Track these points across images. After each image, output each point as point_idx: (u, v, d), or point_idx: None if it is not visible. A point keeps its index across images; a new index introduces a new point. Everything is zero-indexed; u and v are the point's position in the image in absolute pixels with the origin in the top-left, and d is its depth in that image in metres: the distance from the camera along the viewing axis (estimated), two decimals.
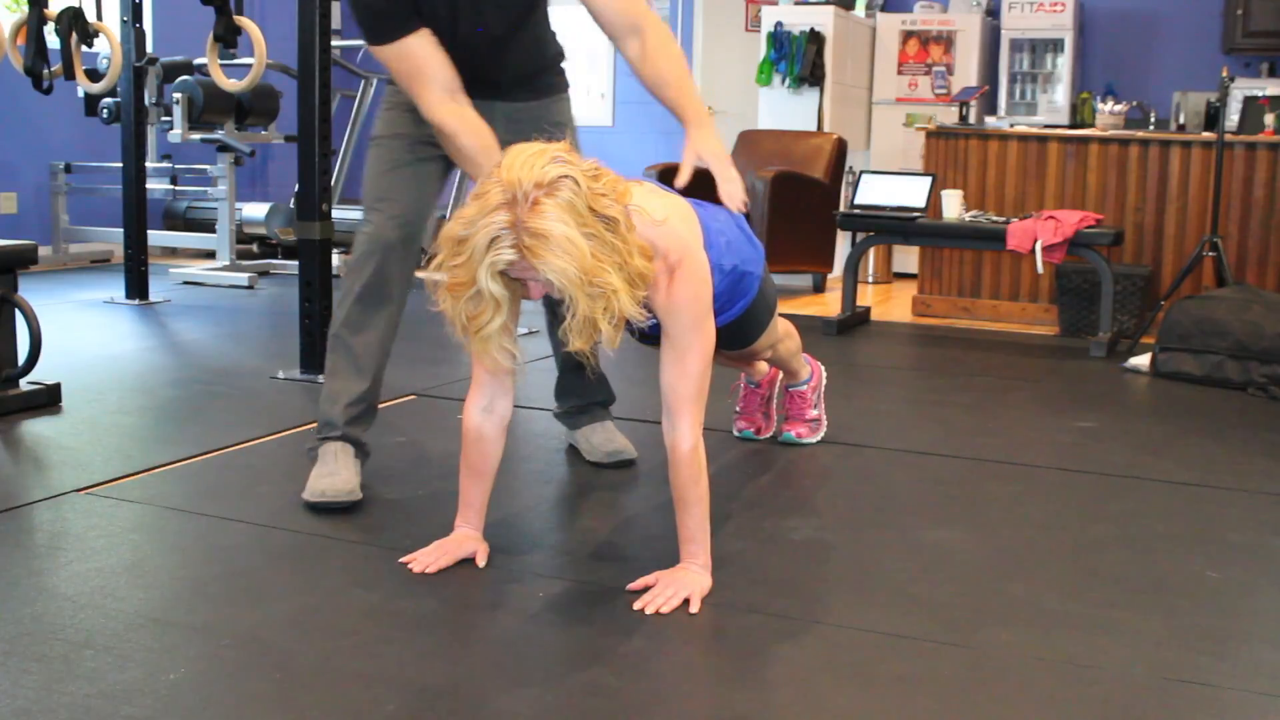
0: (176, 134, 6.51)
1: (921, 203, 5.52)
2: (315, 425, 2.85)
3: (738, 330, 2.71)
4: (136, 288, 5.70)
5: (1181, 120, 7.35)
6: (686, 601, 2.17)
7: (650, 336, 2.38)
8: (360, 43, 4.65)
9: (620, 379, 3.98)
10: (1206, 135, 5.78)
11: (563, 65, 2.89)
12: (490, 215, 1.95)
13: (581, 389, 3.11)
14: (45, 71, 5.64)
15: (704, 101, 2.73)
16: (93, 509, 2.66)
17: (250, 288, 6.30)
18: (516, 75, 2.76)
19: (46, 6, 5.59)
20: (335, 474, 2.68)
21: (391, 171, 2.74)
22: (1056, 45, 7.70)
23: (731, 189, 2.55)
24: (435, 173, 2.78)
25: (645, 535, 2.58)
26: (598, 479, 3.02)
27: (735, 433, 3.38)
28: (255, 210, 7.34)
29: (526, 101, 2.79)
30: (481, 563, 2.35)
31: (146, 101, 6.16)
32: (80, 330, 4.93)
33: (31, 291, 3.99)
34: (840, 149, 7.03)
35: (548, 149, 2.01)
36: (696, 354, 2.21)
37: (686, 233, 2.26)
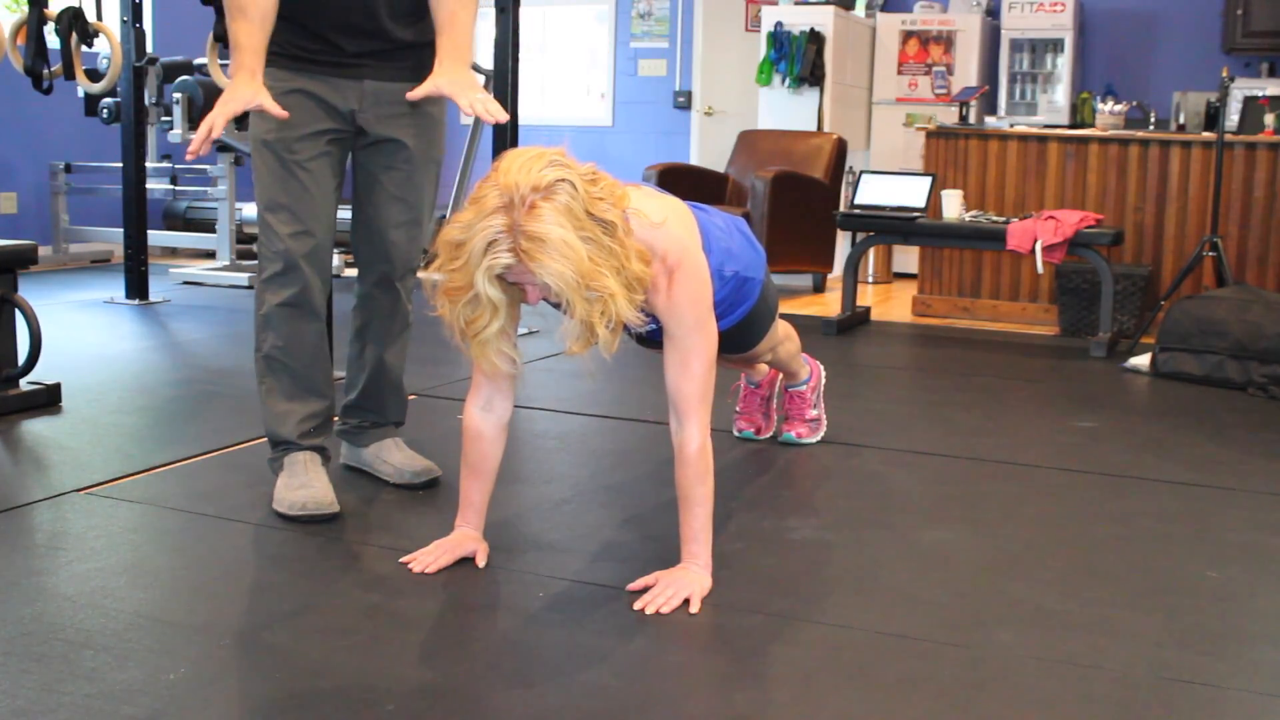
0: (176, 134, 6.51)
1: (921, 203, 5.52)
2: (267, 440, 2.78)
3: (739, 334, 2.71)
4: (136, 288, 5.70)
5: (1181, 120, 7.35)
6: (686, 601, 2.17)
7: (649, 340, 2.39)
8: None
9: (620, 379, 3.98)
10: (1206, 135, 5.78)
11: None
12: (487, 219, 1.95)
13: (380, 403, 2.90)
14: (45, 71, 5.65)
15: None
16: (93, 509, 2.66)
17: (250, 288, 6.30)
18: (388, 43, 2.64)
19: (46, 6, 5.60)
20: (309, 485, 2.63)
21: (282, 181, 2.63)
22: (1056, 45, 7.69)
23: (481, 106, 2.40)
24: (327, 169, 2.67)
25: (645, 535, 2.58)
26: (598, 479, 3.02)
27: (735, 433, 3.38)
28: (255, 210, 7.34)
29: (396, 82, 2.65)
30: (481, 563, 2.35)
31: (146, 101, 6.16)
32: (80, 330, 4.93)
33: (31, 291, 3.99)
34: (840, 149, 7.03)
35: (545, 153, 2.00)
36: (700, 355, 2.21)
37: (685, 235, 2.26)
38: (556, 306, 2.06)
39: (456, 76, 2.49)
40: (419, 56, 2.65)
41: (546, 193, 1.94)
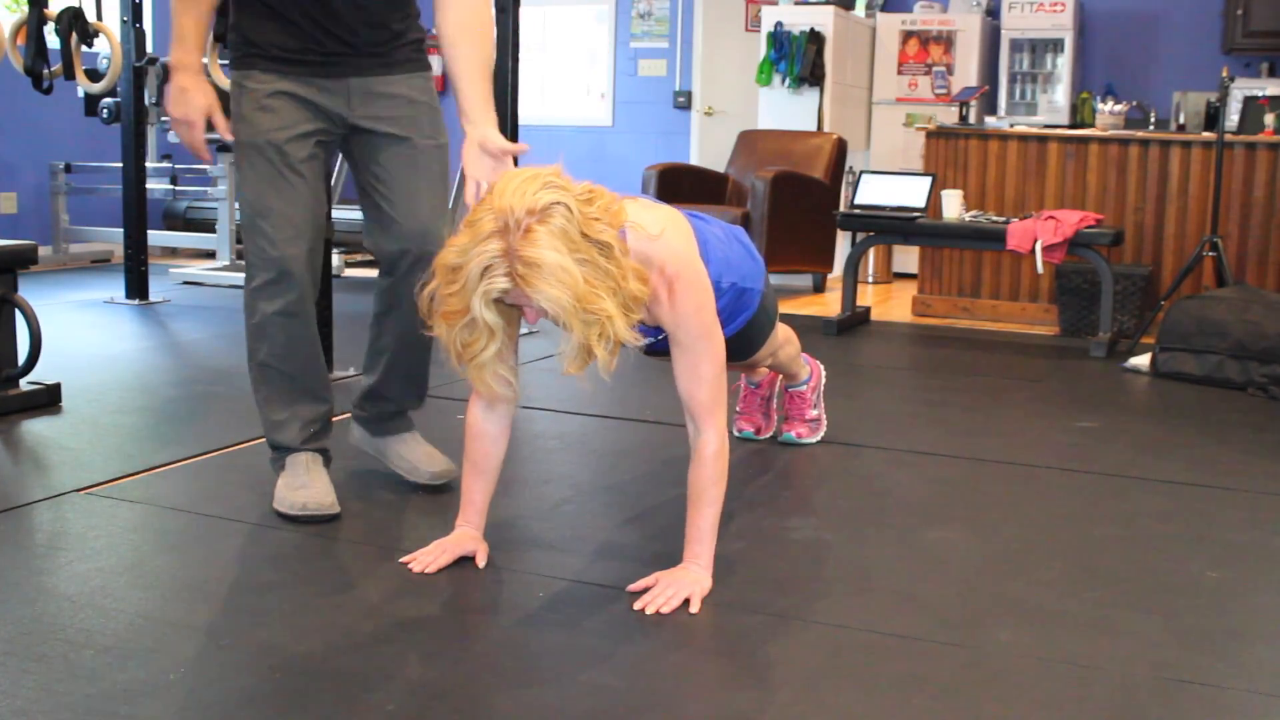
0: (176, 134, 6.51)
1: (921, 203, 5.52)
2: (265, 442, 2.76)
3: (739, 343, 2.72)
4: (136, 288, 5.70)
5: (1181, 120, 7.35)
6: (686, 601, 2.17)
7: (654, 350, 2.39)
8: None
9: (620, 379, 3.98)
10: (1206, 135, 5.78)
11: (421, 42, 2.71)
12: (483, 244, 1.94)
13: (400, 392, 2.84)
14: (45, 71, 5.65)
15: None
16: (93, 509, 2.66)
17: None
18: (368, 40, 2.61)
19: (46, 6, 5.60)
20: (309, 486, 2.62)
21: (273, 184, 2.58)
22: (1056, 45, 7.69)
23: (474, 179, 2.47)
24: (318, 171, 2.64)
25: (645, 535, 2.58)
26: (598, 479, 3.02)
27: (735, 433, 3.38)
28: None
29: (381, 75, 2.62)
30: (481, 563, 2.35)
31: (146, 101, 6.16)
32: (80, 330, 4.93)
33: (31, 291, 3.99)
34: (840, 149, 7.03)
35: (540, 174, 1.99)
36: (709, 360, 2.22)
37: (683, 245, 2.27)
38: (556, 324, 2.06)
39: (484, 139, 2.49)
40: (400, 46, 2.65)
41: (542, 216, 1.94)
